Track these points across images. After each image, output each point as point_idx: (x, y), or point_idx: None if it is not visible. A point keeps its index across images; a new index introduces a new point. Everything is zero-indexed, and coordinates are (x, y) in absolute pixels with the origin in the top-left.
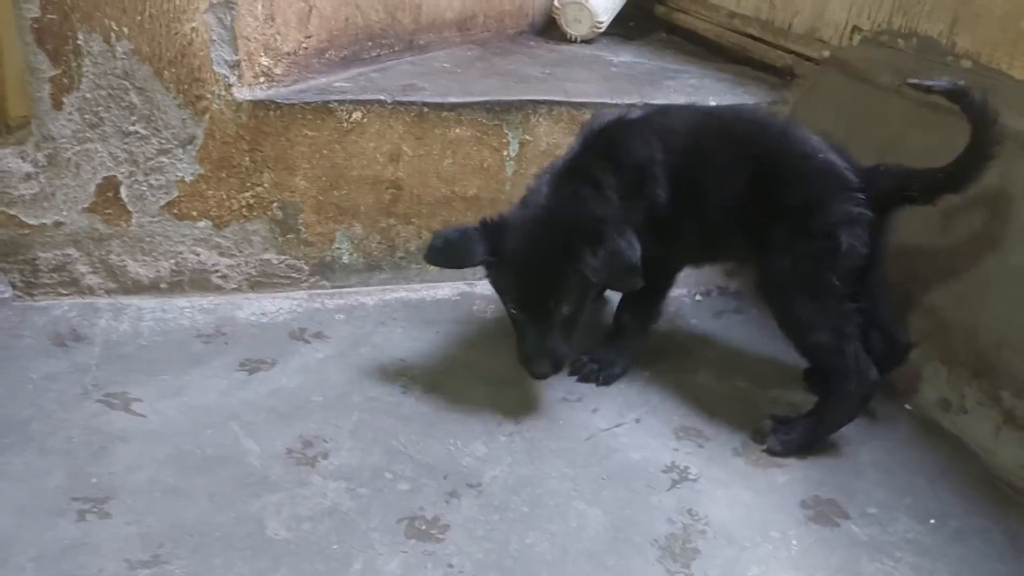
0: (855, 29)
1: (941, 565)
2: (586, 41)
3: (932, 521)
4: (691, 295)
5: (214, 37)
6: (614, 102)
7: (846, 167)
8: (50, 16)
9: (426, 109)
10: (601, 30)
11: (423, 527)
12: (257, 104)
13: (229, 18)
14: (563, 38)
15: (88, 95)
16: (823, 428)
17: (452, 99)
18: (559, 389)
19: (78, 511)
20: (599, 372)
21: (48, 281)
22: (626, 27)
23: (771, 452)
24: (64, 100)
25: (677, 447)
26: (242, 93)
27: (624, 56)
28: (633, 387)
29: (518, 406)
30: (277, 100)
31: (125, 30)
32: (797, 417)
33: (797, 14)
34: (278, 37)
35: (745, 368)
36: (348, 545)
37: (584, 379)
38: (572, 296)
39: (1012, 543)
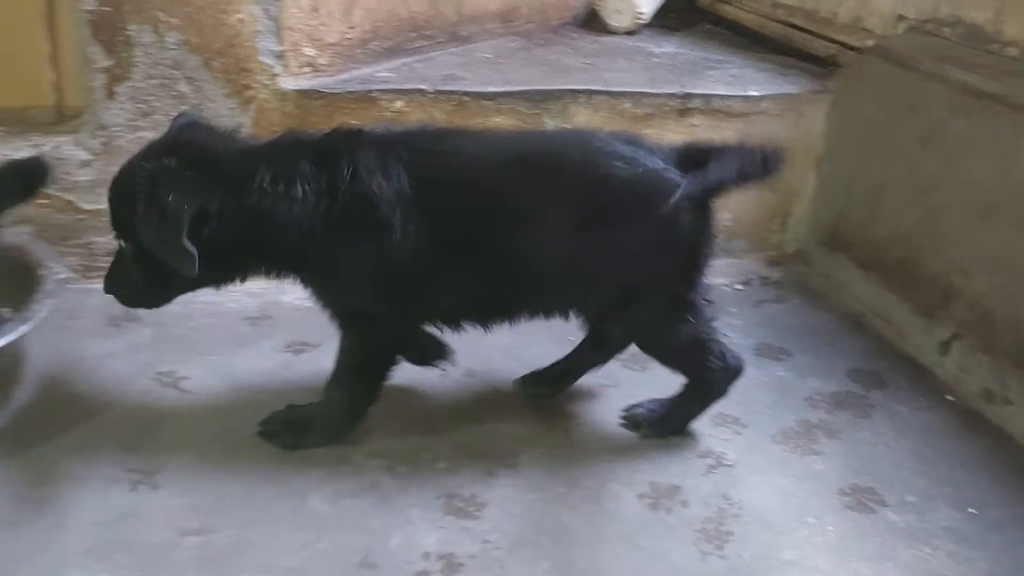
0: (900, 18)
1: (979, 553)
2: (629, 33)
3: (971, 510)
4: (731, 284)
5: (260, 28)
6: (654, 91)
7: (663, 166)
8: (104, 8)
9: (466, 98)
10: (643, 21)
11: (460, 504)
12: (302, 93)
13: (275, 9)
14: (606, 30)
15: (140, 85)
16: (695, 409)
17: (492, 88)
18: (596, 375)
19: (131, 482)
20: None
21: (103, 264)
22: (669, 18)
23: (652, 435)
24: (117, 90)
25: (714, 433)
26: (287, 83)
27: (666, 47)
28: (669, 375)
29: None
30: (321, 89)
31: (175, 21)
32: (663, 403)
33: (842, 3)
34: (323, 28)
35: (784, 357)
36: (387, 520)
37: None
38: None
39: None
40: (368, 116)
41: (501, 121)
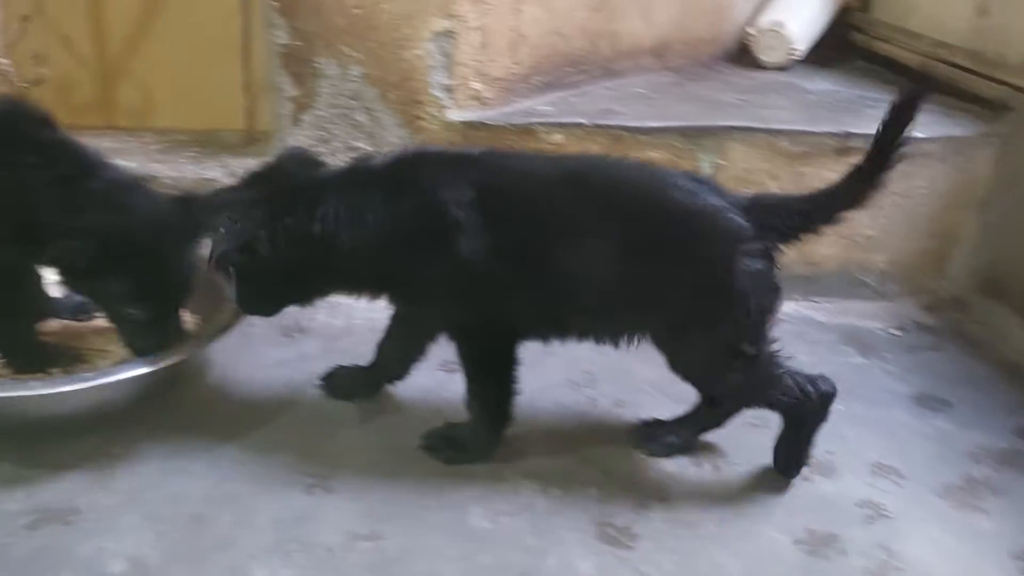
0: None
1: None
2: (781, 68)
3: None
4: (886, 329)
5: (433, 63)
6: (813, 129)
7: (729, 210)
8: (296, 43)
9: (623, 132)
10: (797, 57)
11: (614, 533)
12: (467, 125)
13: (449, 46)
14: (756, 65)
15: (322, 113)
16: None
17: (648, 123)
18: (745, 413)
19: (306, 485)
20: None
21: None
22: (820, 55)
23: (653, 454)
24: (302, 117)
25: (872, 483)
26: (454, 114)
27: (820, 84)
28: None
29: None
30: (486, 121)
31: (358, 56)
32: (670, 421)
33: (1011, 44)
34: (490, 64)
35: (944, 408)
36: (543, 540)
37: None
38: None
39: None
40: (527, 148)
41: (656, 156)
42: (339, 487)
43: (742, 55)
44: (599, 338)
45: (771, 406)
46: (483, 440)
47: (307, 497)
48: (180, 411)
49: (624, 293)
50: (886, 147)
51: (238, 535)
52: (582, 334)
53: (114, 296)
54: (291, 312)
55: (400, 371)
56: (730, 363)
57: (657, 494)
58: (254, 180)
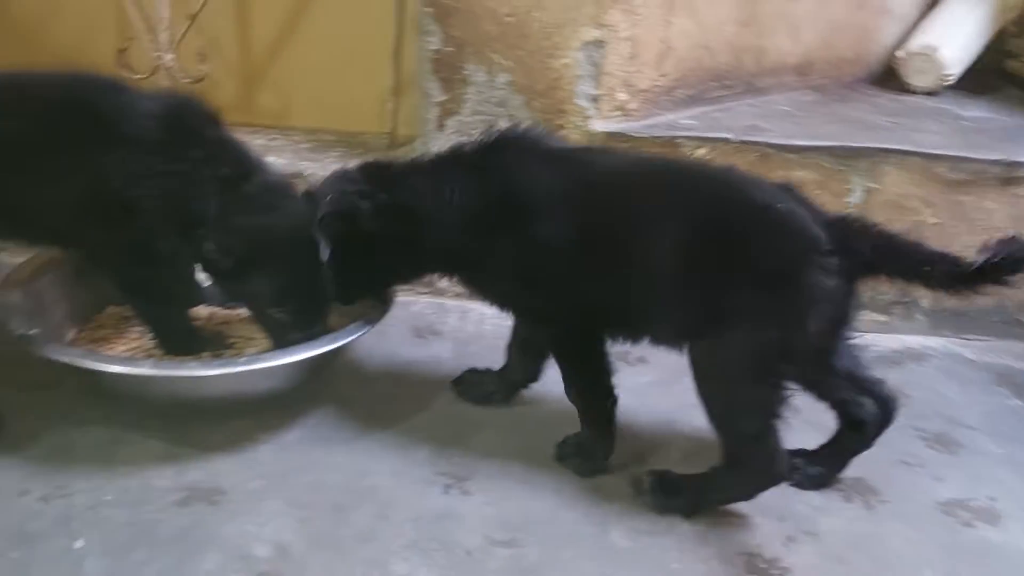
0: None
1: None
2: (930, 93)
3: None
4: None
5: (581, 73)
6: (973, 156)
7: (809, 219)
8: (447, 49)
9: (770, 150)
10: (948, 83)
11: (762, 565)
12: (610, 135)
13: (598, 56)
14: (902, 88)
15: (466, 119)
16: (708, 501)
17: (797, 141)
18: (895, 449)
19: (444, 485)
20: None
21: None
22: (971, 81)
23: (651, 508)
24: (447, 122)
25: None
26: (597, 125)
27: (973, 111)
28: (982, 460)
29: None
30: (628, 133)
31: (507, 63)
32: (682, 478)
33: None
34: (637, 75)
35: None
36: (688, 566)
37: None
38: None
39: None
40: None
41: (803, 175)
42: (475, 489)
43: (887, 78)
44: (660, 337)
45: (745, 462)
46: (596, 433)
47: (444, 497)
48: (318, 403)
49: (692, 291)
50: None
51: (378, 528)
52: (646, 330)
53: (259, 297)
54: (424, 314)
55: (529, 375)
56: (760, 379)
57: (806, 527)
58: (363, 166)
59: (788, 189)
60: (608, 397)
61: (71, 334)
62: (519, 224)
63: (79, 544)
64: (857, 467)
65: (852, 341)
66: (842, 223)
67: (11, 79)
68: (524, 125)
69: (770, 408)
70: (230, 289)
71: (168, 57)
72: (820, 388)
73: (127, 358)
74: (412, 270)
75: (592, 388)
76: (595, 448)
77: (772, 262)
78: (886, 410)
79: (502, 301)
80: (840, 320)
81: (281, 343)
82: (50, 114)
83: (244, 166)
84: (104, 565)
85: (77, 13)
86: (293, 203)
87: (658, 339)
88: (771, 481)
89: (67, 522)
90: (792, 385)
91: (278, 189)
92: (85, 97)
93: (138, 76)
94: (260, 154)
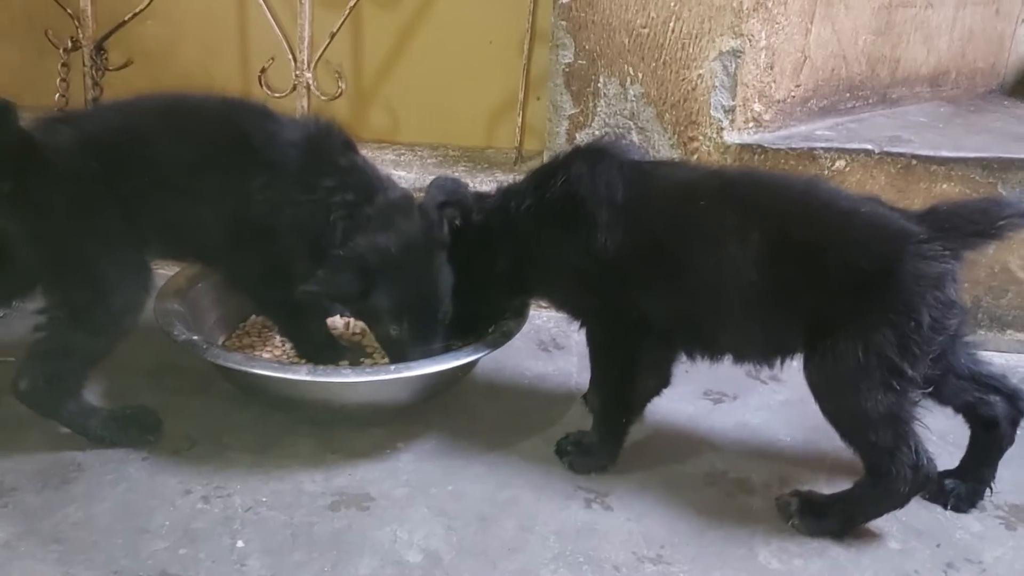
0: None
1: None
2: None
3: None
4: None
5: (716, 83)
6: None
7: (899, 216)
8: (580, 62)
9: (914, 161)
10: None
11: None
12: (744, 147)
13: (734, 66)
14: None
15: (596, 132)
16: (859, 517)
17: (943, 153)
18: None
19: (584, 499)
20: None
21: None
22: None
23: (801, 531)
24: (576, 135)
25: None
26: (731, 137)
27: None
28: None
29: (1006, 483)
30: (763, 144)
31: (639, 75)
32: (829, 498)
33: None
34: (773, 85)
35: None
36: None
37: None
38: None
39: None
40: (807, 173)
41: (948, 188)
42: (617, 505)
43: (1021, 88)
44: (743, 353)
45: (879, 454)
46: (605, 439)
47: (587, 512)
48: (449, 414)
49: (770, 300)
50: None
51: (524, 540)
52: (724, 345)
53: (377, 314)
54: (547, 328)
55: (652, 388)
56: (887, 379)
57: (966, 555)
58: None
59: (874, 199)
60: (629, 414)
61: (220, 340)
62: (578, 235)
63: (241, 544)
64: (1016, 492)
65: (968, 339)
66: (933, 211)
67: (170, 103)
68: (609, 137)
69: (901, 414)
70: (350, 307)
71: (308, 75)
72: (943, 392)
73: (285, 364)
74: (508, 283)
75: (617, 399)
76: (595, 449)
77: (869, 260)
78: (1016, 403)
79: (560, 304)
80: (956, 311)
81: (398, 360)
82: (206, 138)
83: (369, 189)
84: (266, 564)
85: (201, 39)
86: (410, 220)
87: (742, 356)
88: (921, 485)
89: (228, 522)
90: (920, 388)
91: (397, 207)
92: (238, 123)
93: (277, 95)
94: (386, 173)
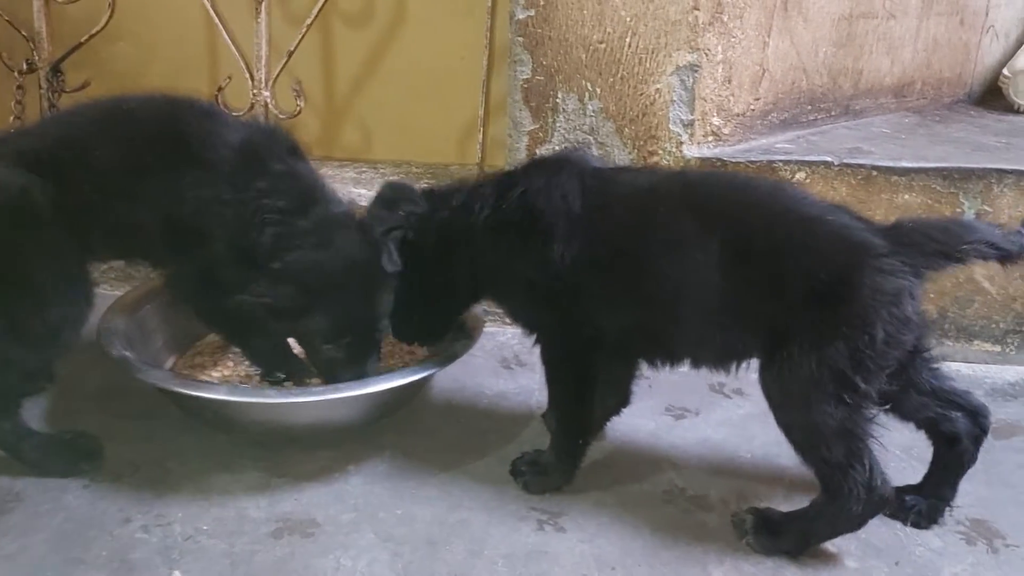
0: None
1: None
2: None
3: None
4: None
5: (674, 98)
6: None
7: (863, 227)
8: (538, 78)
9: (874, 172)
10: None
11: None
12: (704, 161)
13: (692, 80)
14: (1008, 108)
15: (556, 147)
16: (814, 537)
17: (904, 163)
18: (1018, 489)
19: (537, 520)
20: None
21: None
22: None
23: (755, 549)
24: (536, 151)
25: None
26: (691, 151)
27: None
28: None
29: (968, 497)
30: (723, 158)
31: (598, 90)
32: (785, 516)
33: None
34: (731, 99)
35: None
36: None
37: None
38: None
39: None
40: None
41: (910, 199)
42: (570, 526)
43: (990, 97)
44: (700, 359)
45: (831, 471)
46: (562, 459)
47: (538, 534)
48: (406, 434)
49: (730, 305)
50: None
51: (472, 565)
52: (683, 352)
53: (310, 334)
54: (510, 345)
55: (612, 407)
56: (838, 392)
57: (925, 572)
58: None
59: (841, 207)
60: (586, 434)
61: (170, 361)
62: (535, 245)
63: (178, 574)
64: (977, 507)
65: (930, 354)
66: (897, 226)
67: (108, 106)
68: (568, 148)
69: (854, 429)
70: (281, 326)
71: (265, 94)
72: (904, 407)
73: (216, 383)
74: (460, 290)
75: (574, 418)
76: (551, 468)
77: (828, 271)
78: (978, 420)
79: (515, 317)
80: (911, 328)
81: (332, 380)
82: (142, 138)
83: (304, 199)
84: None
85: (170, 57)
86: (348, 238)
87: (699, 361)
88: (876, 507)
89: (167, 552)
90: (875, 405)
91: (335, 223)
92: (175, 122)
93: (236, 113)
94: (328, 187)
